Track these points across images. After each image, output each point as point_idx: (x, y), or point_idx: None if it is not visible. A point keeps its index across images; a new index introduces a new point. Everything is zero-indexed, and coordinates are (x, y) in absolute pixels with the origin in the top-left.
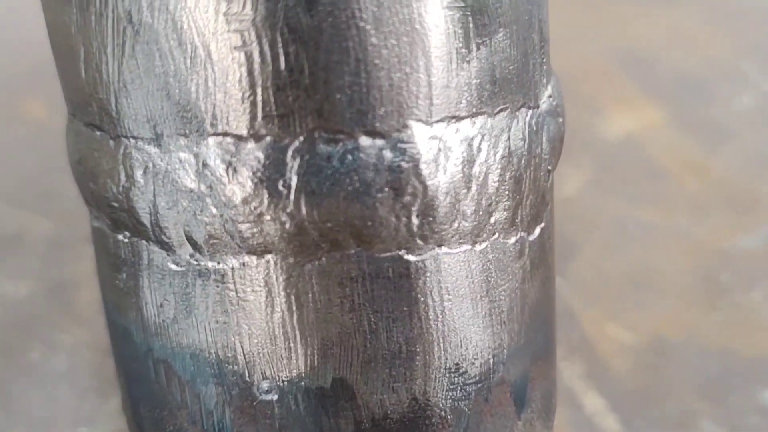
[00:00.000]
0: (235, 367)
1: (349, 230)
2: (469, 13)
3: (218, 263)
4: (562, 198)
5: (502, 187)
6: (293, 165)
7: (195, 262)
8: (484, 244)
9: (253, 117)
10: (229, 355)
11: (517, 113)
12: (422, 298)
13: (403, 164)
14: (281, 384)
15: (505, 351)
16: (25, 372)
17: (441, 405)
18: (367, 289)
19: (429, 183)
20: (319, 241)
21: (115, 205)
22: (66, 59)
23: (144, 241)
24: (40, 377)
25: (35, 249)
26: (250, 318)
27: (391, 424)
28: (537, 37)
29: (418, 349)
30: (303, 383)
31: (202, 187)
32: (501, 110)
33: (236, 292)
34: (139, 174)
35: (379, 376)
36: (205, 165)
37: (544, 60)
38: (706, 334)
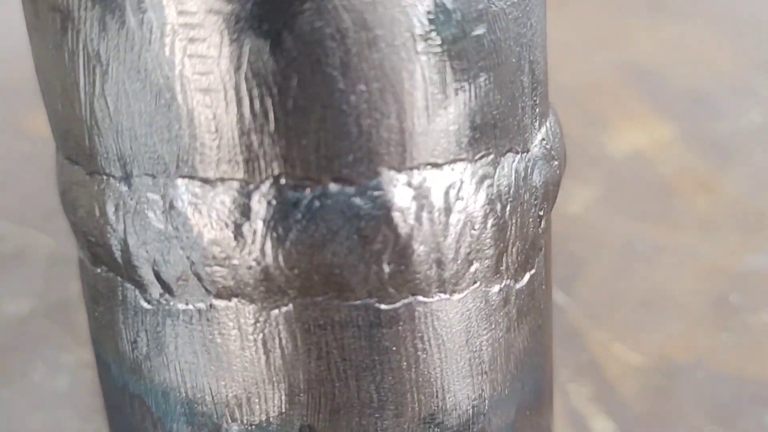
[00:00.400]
0: (204, 408)
1: (317, 277)
2: (446, 59)
3: (186, 304)
4: (568, 216)
5: (483, 235)
6: (259, 210)
7: (164, 302)
8: (463, 293)
9: (218, 160)
10: (198, 395)
11: (502, 159)
12: (395, 348)
13: (373, 212)
14: (250, 428)
15: (487, 401)
16: (27, 393)
17: None
18: (335, 337)
19: (401, 231)
20: (286, 288)
21: (92, 239)
22: (46, 93)
23: (119, 277)
24: (42, 398)
25: (37, 267)
26: (218, 361)
27: None
28: (527, 79)
29: (389, 399)
30: (272, 428)
31: (170, 228)
32: (483, 156)
33: (204, 334)
34: (111, 211)
35: (348, 425)
36: (172, 206)
37: (537, 102)
38: (716, 356)
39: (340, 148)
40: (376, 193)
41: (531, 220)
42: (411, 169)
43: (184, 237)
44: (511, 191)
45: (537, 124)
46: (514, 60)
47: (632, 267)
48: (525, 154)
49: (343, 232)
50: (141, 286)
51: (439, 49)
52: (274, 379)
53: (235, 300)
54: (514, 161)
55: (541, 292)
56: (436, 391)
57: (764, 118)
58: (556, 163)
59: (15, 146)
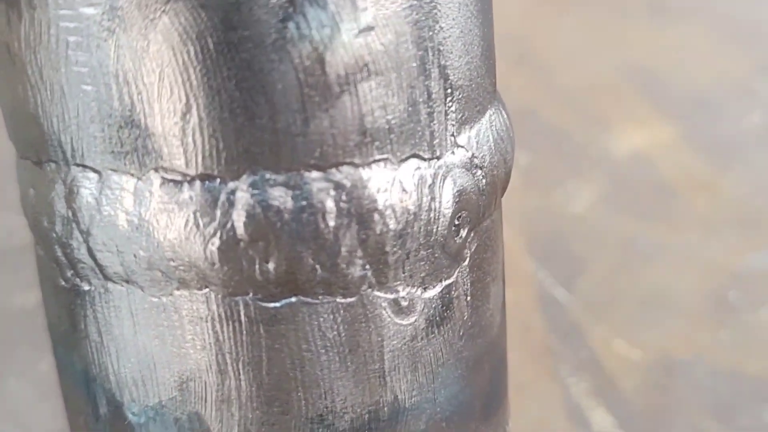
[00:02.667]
0: (108, 386)
1: (196, 271)
2: (324, 60)
3: (89, 285)
4: (570, 215)
5: (375, 241)
6: (141, 200)
7: (75, 282)
8: (353, 298)
9: (103, 151)
10: (103, 373)
11: (402, 164)
12: (278, 346)
13: (252, 210)
14: (146, 409)
15: (386, 408)
16: (35, 383)
17: None
18: (217, 330)
19: (280, 231)
20: (167, 278)
21: (28, 220)
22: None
23: (46, 257)
24: (50, 387)
25: None
26: (116, 342)
27: None
28: (437, 84)
29: (275, 396)
30: (165, 412)
31: (70, 213)
32: (375, 161)
33: (104, 315)
34: (32, 194)
35: (233, 417)
36: (71, 192)
37: (454, 108)
38: (715, 352)
39: (217, 146)
40: (254, 192)
41: (441, 228)
42: (288, 170)
43: (81, 221)
44: (412, 198)
45: (454, 131)
46: (415, 64)
47: (633, 265)
48: (434, 161)
49: (220, 227)
50: (60, 266)
51: (313, 51)
52: (166, 364)
53: (126, 285)
54: (417, 168)
55: (466, 303)
56: (324, 393)
57: (764, 119)
58: (480, 172)
59: None
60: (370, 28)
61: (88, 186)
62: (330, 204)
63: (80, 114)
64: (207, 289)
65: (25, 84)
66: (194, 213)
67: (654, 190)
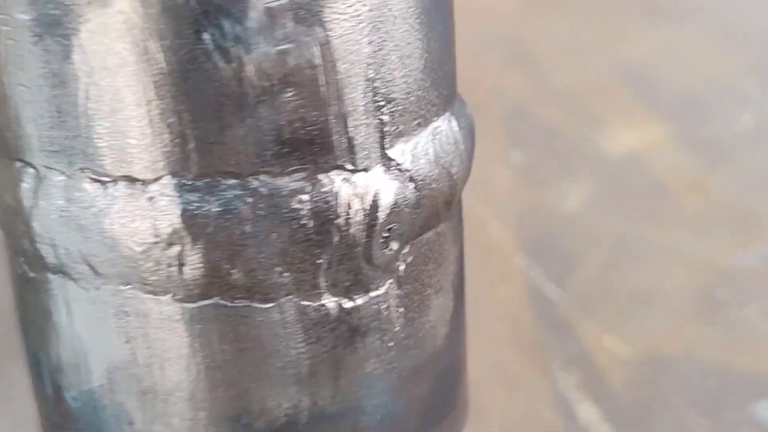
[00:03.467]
0: (51, 369)
1: (118, 268)
2: (242, 71)
3: (30, 272)
4: (563, 213)
5: (291, 249)
6: (66, 196)
7: (25, 269)
8: (272, 303)
9: (39, 148)
10: (45, 359)
11: (323, 176)
12: (197, 344)
13: (162, 214)
14: (82, 394)
15: (305, 413)
16: None
17: None
18: (140, 325)
19: (194, 234)
20: (94, 273)
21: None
22: None
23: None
24: None
25: None
26: (56, 328)
27: None
28: (365, 98)
29: (193, 393)
30: (96, 398)
31: (14, 204)
32: (294, 171)
33: (45, 302)
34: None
35: (155, 410)
36: (15, 185)
37: (385, 121)
38: (703, 348)
39: (130, 151)
40: (172, 195)
41: (366, 240)
42: (206, 176)
43: (23, 212)
44: (333, 209)
45: (384, 144)
46: (338, 78)
47: (624, 263)
48: (360, 173)
49: (142, 229)
50: (14, 252)
51: (227, 64)
52: (95, 354)
53: (61, 276)
54: (343, 179)
55: (397, 314)
56: (241, 394)
57: (755, 120)
58: (412, 185)
59: None
60: (289, 42)
61: (27, 180)
62: (246, 211)
63: (18, 113)
64: (130, 286)
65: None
66: (117, 213)
67: (646, 189)
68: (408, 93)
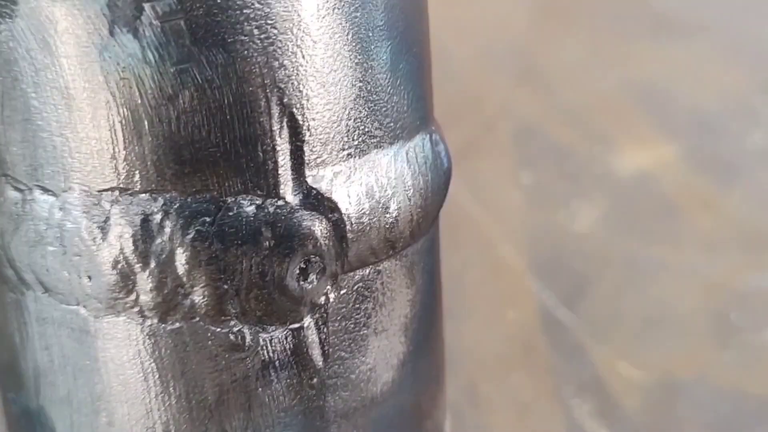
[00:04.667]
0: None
1: (30, 276)
2: (134, 88)
3: None
4: (573, 233)
5: (196, 271)
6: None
7: None
8: (177, 324)
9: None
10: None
11: (228, 199)
12: (103, 360)
13: (68, 224)
14: (16, 399)
15: None
16: None
17: None
18: (55, 333)
19: (92, 248)
20: (18, 278)
21: None
22: None
23: None
24: None
25: None
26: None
27: None
28: (278, 123)
29: (102, 406)
30: (28, 404)
31: None
32: (198, 192)
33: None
34: None
35: (69, 417)
36: None
37: (303, 148)
38: (718, 373)
39: (40, 160)
40: (71, 206)
41: (279, 269)
42: (104, 191)
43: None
44: (239, 234)
45: (302, 171)
46: (246, 101)
47: (636, 284)
48: (272, 199)
49: (46, 237)
50: None
51: (122, 80)
52: (23, 358)
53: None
54: (251, 205)
55: (322, 352)
56: (147, 413)
57: (767, 138)
58: (335, 217)
59: None
60: (186, 62)
61: (10, 195)
62: (152, 225)
63: (3, 131)
64: (46, 294)
65: None
66: (33, 220)
67: (657, 209)
68: (334, 122)
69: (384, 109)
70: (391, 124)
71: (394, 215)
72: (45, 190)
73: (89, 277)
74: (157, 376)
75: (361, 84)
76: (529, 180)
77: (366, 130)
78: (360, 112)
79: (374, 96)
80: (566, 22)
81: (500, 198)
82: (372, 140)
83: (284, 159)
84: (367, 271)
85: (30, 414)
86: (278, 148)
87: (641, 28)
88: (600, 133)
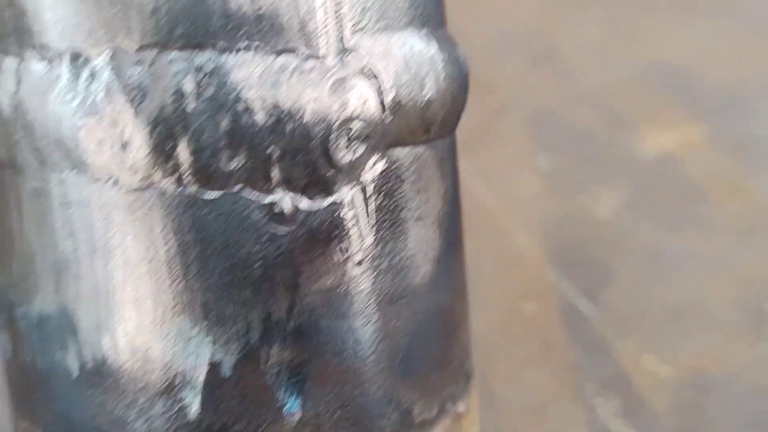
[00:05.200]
0: (4, 290)
1: (63, 150)
2: None
3: None
4: (595, 220)
5: (239, 131)
6: (19, 80)
7: None
8: (219, 192)
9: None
10: (2, 277)
11: (275, 57)
12: (138, 235)
13: (101, 90)
14: (27, 310)
15: (258, 324)
16: None
17: (162, 363)
18: (82, 215)
19: (130, 112)
20: (41, 160)
21: None
22: None
23: None
24: None
25: None
26: (9, 236)
27: (111, 371)
28: None
29: (137, 290)
30: (42, 311)
31: None
32: (243, 49)
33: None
34: None
35: (98, 314)
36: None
37: (345, 10)
38: (751, 368)
39: (81, 19)
40: (113, 68)
41: (322, 132)
42: (147, 47)
43: None
44: (285, 93)
45: (343, 35)
46: None
47: (662, 274)
48: (315, 60)
49: (78, 106)
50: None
51: None
52: (42, 256)
53: (12, 172)
54: (295, 63)
55: (365, 228)
56: (186, 294)
57: None
58: (376, 83)
59: None
60: None
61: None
62: (189, 86)
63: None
64: (74, 171)
65: None
66: (61, 90)
67: (683, 195)
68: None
69: None
70: (421, 8)
71: (429, 94)
72: (76, 56)
73: (125, 145)
74: (197, 251)
75: None
76: (546, 165)
77: (399, 5)
78: None
79: None
80: (584, 0)
81: (516, 184)
82: (405, 18)
83: (326, 20)
84: (405, 152)
85: (45, 322)
86: (321, 7)
87: (662, 4)
88: (621, 114)
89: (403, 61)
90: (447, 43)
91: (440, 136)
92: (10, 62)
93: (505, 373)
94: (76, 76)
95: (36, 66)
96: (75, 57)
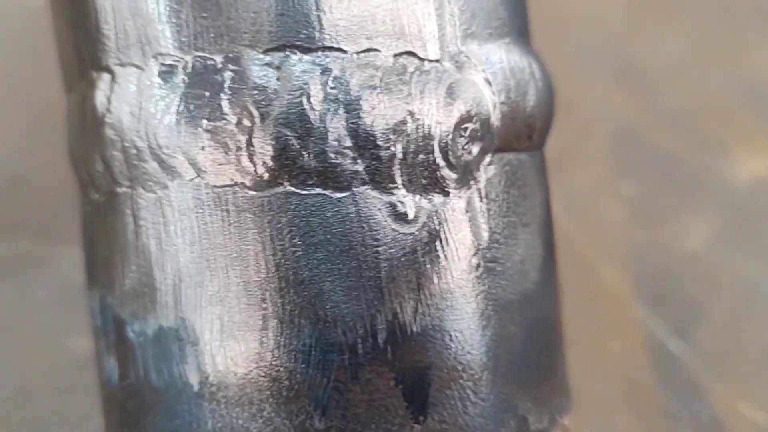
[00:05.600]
0: (114, 305)
1: (186, 157)
2: None
3: (103, 196)
4: (684, 253)
5: (363, 131)
6: (152, 88)
7: (94, 198)
8: (343, 193)
9: (116, 48)
10: (111, 292)
11: (396, 59)
12: (266, 238)
13: (235, 90)
14: (144, 323)
15: (385, 327)
16: None
17: (291, 367)
18: (207, 221)
19: (262, 110)
20: (163, 168)
21: (73, 158)
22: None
23: (86, 187)
24: None
25: None
26: (122, 251)
27: (236, 378)
28: None
29: (263, 295)
30: (160, 322)
31: (107, 113)
32: (366, 51)
33: (112, 224)
34: (78, 116)
35: (223, 321)
36: (112, 91)
37: (457, 17)
38: None
39: (205, 25)
40: (239, 71)
41: (442, 132)
42: (274, 50)
43: (115, 121)
44: (407, 93)
45: (458, 39)
46: None
47: (758, 312)
48: (433, 63)
49: (210, 109)
50: (83, 187)
51: None
52: (161, 267)
53: (129, 185)
54: (414, 65)
55: (483, 229)
56: (314, 295)
57: None
58: (488, 88)
59: None
60: None
61: (102, 87)
62: (316, 87)
63: (104, 16)
64: (198, 178)
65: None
66: (185, 96)
67: None
68: (479, 0)
69: (512, 3)
70: (518, 20)
71: (531, 101)
72: (201, 62)
73: (252, 146)
74: (326, 253)
75: None
76: (630, 191)
77: (500, 16)
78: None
79: None
80: (669, 15)
81: (598, 211)
82: (505, 28)
83: (443, 25)
84: (511, 157)
85: (163, 336)
86: (437, 13)
87: (755, 19)
88: (711, 137)
89: (508, 67)
90: (537, 56)
91: (538, 146)
92: (131, 72)
93: (588, 416)
94: (200, 82)
95: (158, 75)
96: (200, 64)
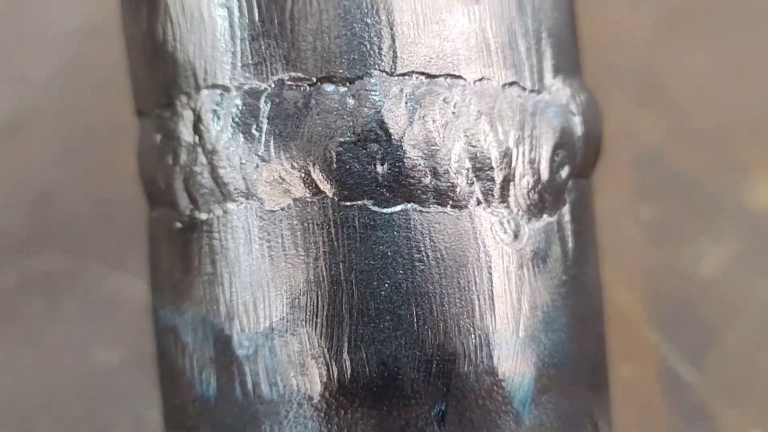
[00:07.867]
0: (217, 321)
1: (312, 174)
2: None
3: (208, 213)
4: (700, 277)
5: (480, 154)
6: (265, 110)
7: (191, 216)
8: (461, 211)
9: (233, 67)
10: (214, 308)
11: (505, 89)
12: (391, 254)
13: (365, 110)
14: (256, 336)
15: (495, 336)
16: None
17: (413, 376)
18: (332, 237)
19: (389, 132)
20: (287, 186)
21: (145, 179)
22: (130, 63)
23: (159, 207)
24: None
25: (132, 315)
26: (231, 267)
27: (357, 388)
28: (533, 23)
29: (386, 308)
30: (274, 336)
31: (196, 138)
32: (480, 80)
33: (219, 241)
34: (158, 139)
35: (344, 335)
36: (198, 117)
37: (548, 52)
38: None
39: (334, 49)
40: (368, 94)
41: (542, 159)
42: (402, 75)
43: (205, 144)
44: (515, 121)
45: (550, 73)
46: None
47: None
48: (533, 93)
49: (337, 129)
50: (175, 206)
51: None
52: (277, 281)
53: (245, 201)
54: (519, 96)
55: (570, 247)
56: (435, 308)
57: None
58: (576, 119)
59: (113, 187)
60: None
61: (216, 106)
62: (442, 112)
63: (215, 34)
64: (322, 195)
65: (165, 23)
66: (314, 116)
67: None
68: (561, 35)
69: (577, 41)
70: (578, 57)
71: (598, 130)
72: (337, 79)
73: (381, 166)
74: (445, 268)
75: (567, 15)
76: (649, 214)
77: (572, 53)
78: (569, 34)
79: (569, 26)
80: (695, 32)
81: (616, 235)
82: (577, 63)
83: (539, 59)
84: (583, 183)
85: (274, 349)
86: (534, 47)
87: None
88: (734, 160)
89: (585, 98)
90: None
91: (587, 176)
92: (192, 98)
93: None
94: (328, 102)
95: (284, 94)
96: (327, 83)
